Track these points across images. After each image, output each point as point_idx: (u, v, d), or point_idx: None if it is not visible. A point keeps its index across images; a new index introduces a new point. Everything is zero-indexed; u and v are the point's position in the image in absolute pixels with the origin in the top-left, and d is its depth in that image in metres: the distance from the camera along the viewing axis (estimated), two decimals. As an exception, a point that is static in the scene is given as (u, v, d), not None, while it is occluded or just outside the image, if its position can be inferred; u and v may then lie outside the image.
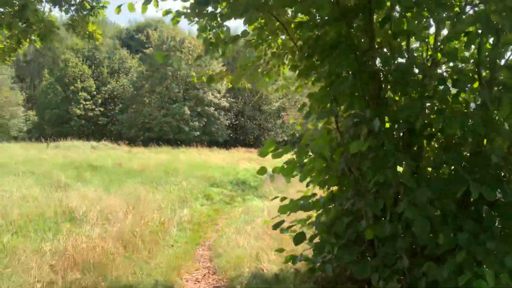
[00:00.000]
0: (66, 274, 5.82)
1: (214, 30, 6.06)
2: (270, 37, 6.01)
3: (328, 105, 4.37)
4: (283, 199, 5.18)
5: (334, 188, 5.13)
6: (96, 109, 48.42)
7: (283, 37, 6.00)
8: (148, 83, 48.02)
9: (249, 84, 7.19)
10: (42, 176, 14.82)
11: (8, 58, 8.80)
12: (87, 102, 47.62)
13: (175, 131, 46.42)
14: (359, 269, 4.37)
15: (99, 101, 49.01)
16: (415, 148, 4.62)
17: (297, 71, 5.50)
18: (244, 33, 5.54)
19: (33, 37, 8.42)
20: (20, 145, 34.86)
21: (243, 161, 26.90)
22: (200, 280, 6.41)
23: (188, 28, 71.18)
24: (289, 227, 5.30)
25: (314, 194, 5.22)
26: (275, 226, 5.13)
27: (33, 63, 64.97)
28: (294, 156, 4.67)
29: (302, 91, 6.93)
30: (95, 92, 48.75)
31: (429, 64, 4.66)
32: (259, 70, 6.54)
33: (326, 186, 5.06)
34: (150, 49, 49.38)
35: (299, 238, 4.90)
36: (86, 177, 15.57)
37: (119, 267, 6.26)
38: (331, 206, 5.03)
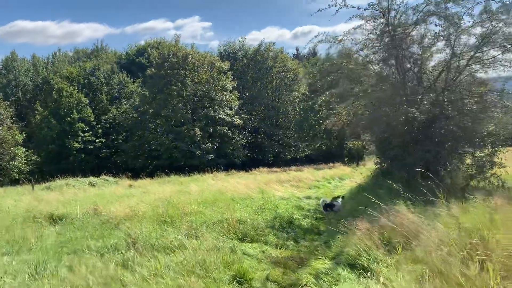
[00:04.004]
0: None
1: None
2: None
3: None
4: None
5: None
6: (96, 140, 41.60)
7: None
8: (152, 106, 41.20)
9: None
10: None
11: None
12: (86, 134, 40.87)
13: (187, 156, 39.20)
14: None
15: (100, 131, 42.25)
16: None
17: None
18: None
19: None
20: (3, 189, 27.99)
21: (273, 185, 19.43)
22: None
23: (191, 44, 63.84)
24: None
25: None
26: None
27: (33, 99, 58.98)
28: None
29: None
30: (94, 122, 42.05)
31: None
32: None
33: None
34: (151, 70, 42.75)
35: None
36: (18, 247, 8.34)
37: None
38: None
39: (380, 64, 12.39)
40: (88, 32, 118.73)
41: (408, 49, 11.90)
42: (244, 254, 7.45)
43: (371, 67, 12.70)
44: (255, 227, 9.24)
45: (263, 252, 7.83)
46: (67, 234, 9.49)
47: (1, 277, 6.22)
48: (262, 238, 8.74)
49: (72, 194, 21.27)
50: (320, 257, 7.22)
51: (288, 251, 8.11)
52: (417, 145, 11.30)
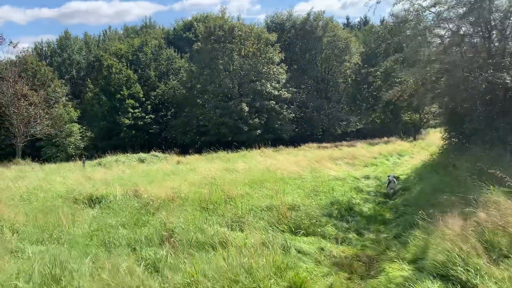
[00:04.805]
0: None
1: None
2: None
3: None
4: None
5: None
6: (146, 116, 41.53)
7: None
8: (199, 82, 40.30)
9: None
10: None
11: None
12: (136, 110, 40.84)
13: (234, 132, 38.20)
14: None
15: (149, 107, 42.10)
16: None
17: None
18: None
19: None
20: (56, 166, 28.35)
21: (325, 163, 17.86)
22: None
23: (237, 15, 61.03)
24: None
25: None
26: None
27: (86, 77, 60.18)
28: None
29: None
30: (143, 99, 41.91)
31: None
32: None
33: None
34: (198, 44, 41.67)
35: None
36: (49, 235, 7.49)
37: None
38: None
39: (457, 22, 10.28)
40: (137, 10, 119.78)
41: (493, 1, 9.71)
42: (298, 252, 6.10)
43: (445, 26, 10.62)
44: (309, 216, 7.83)
45: (322, 249, 6.42)
46: (101, 220, 8.58)
47: (16, 278, 5.29)
48: (319, 229, 7.33)
49: (119, 171, 20.91)
50: (395, 259, 5.70)
51: (351, 248, 6.67)
52: (504, 118, 9.29)
